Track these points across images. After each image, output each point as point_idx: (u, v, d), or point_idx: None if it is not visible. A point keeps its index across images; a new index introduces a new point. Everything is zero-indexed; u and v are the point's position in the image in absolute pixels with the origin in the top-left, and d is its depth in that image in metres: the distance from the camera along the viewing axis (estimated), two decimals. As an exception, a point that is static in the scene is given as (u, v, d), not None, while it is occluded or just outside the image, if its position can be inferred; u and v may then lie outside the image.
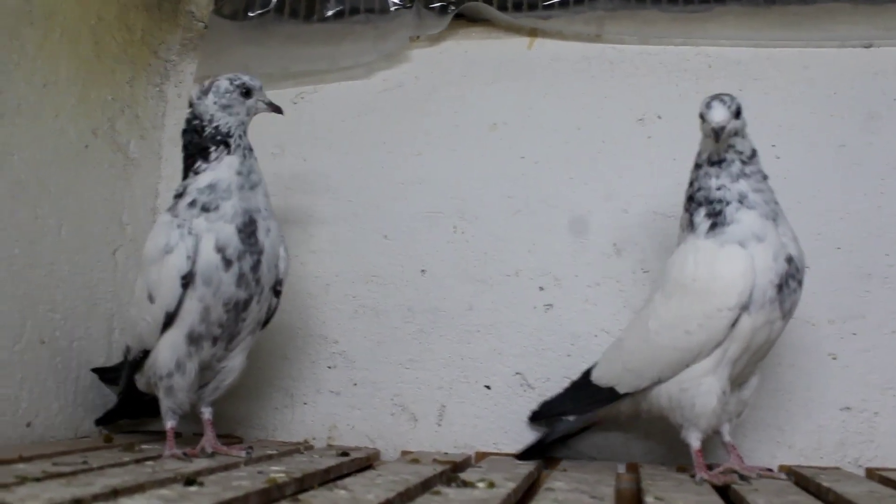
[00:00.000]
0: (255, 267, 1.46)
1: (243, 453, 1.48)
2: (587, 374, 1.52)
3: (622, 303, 1.75)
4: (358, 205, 1.89)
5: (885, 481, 1.45)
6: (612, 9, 1.86)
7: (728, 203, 1.37)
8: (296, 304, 1.85)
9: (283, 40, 1.97)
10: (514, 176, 1.84)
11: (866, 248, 1.71)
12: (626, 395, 1.45)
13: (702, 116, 1.40)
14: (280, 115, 1.59)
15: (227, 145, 1.49)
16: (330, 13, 1.97)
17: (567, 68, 1.87)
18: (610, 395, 1.47)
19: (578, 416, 1.52)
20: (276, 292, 1.57)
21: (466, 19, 1.93)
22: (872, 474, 1.56)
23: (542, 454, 1.54)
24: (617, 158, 1.81)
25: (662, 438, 1.67)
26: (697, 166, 1.43)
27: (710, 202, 1.38)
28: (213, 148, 1.49)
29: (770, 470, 1.54)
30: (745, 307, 1.32)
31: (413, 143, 1.89)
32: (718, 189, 1.38)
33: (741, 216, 1.36)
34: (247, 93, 1.52)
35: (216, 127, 1.50)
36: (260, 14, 2.00)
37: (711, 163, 1.40)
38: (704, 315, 1.33)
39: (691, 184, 1.44)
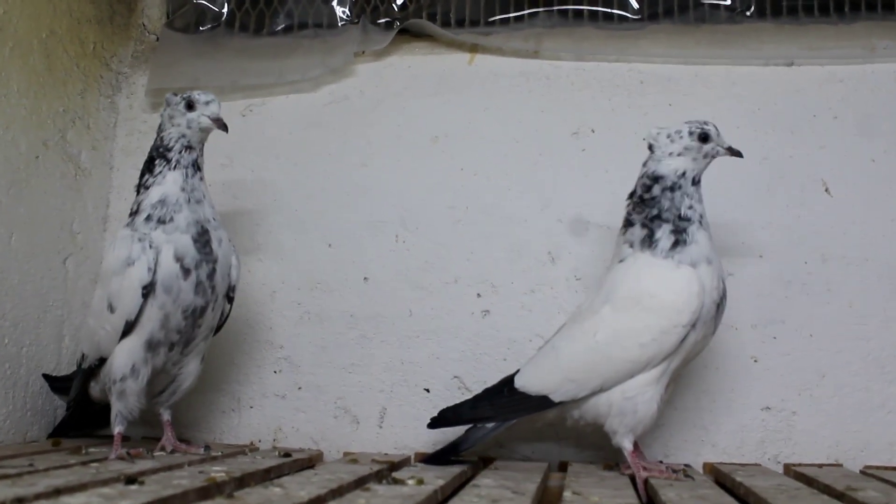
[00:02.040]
0: (211, 275, 1.53)
1: (201, 450, 1.57)
2: (509, 381, 1.54)
3: (556, 309, 1.82)
4: (304, 214, 1.94)
5: (798, 476, 1.53)
6: (550, 26, 1.94)
7: (692, 222, 1.45)
8: (243, 311, 1.89)
9: (233, 54, 2.02)
10: (454, 186, 1.90)
11: (787, 256, 1.79)
12: (559, 403, 1.48)
13: (706, 138, 1.48)
14: (229, 128, 1.63)
15: (167, 160, 1.55)
16: (279, 28, 2.03)
17: (506, 83, 1.94)
18: (541, 403, 1.49)
19: (498, 424, 1.53)
20: (230, 298, 1.64)
21: (410, 35, 2.00)
22: (789, 470, 1.64)
23: (452, 460, 1.54)
24: (553, 170, 1.88)
25: (594, 440, 1.71)
26: (674, 187, 1.47)
27: (681, 219, 1.45)
28: (157, 160, 1.56)
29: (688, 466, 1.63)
30: (694, 325, 1.41)
31: (358, 155, 1.95)
32: (690, 208, 1.46)
33: (699, 237, 1.45)
34: (189, 106, 1.56)
35: (161, 138, 1.57)
36: (211, 28, 2.05)
37: (695, 182, 1.49)
38: (660, 330, 1.40)
39: (652, 200, 1.47)
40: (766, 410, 1.75)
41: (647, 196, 1.49)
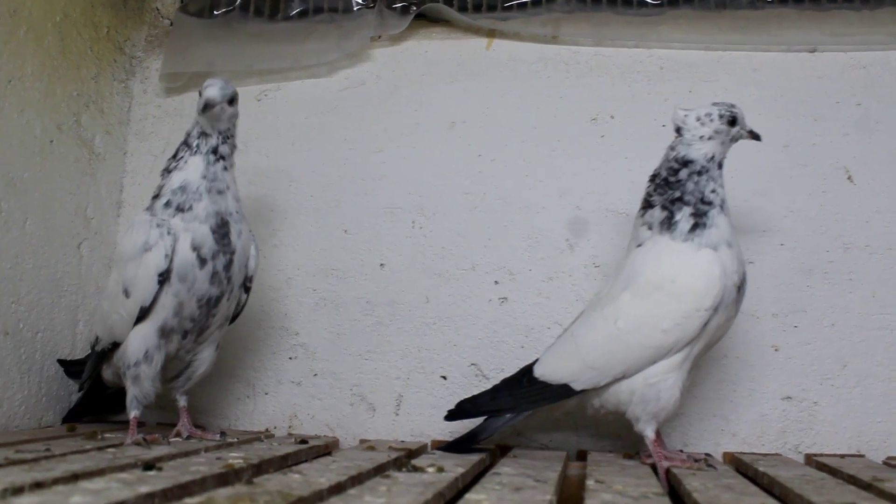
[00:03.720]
0: (228, 266, 1.52)
1: (217, 437, 1.56)
2: (528, 371, 1.52)
3: (574, 296, 1.80)
4: (319, 200, 1.93)
5: (820, 466, 1.52)
6: (569, 11, 1.91)
7: (713, 206, 1.43)
8: (258, 297, 1.87)
9: (248, 38, 2.00)
10: (471, 173, 1.88)
11: (808, 245, 1.77)
12: (580, 391, 1.46)
13: (734, 121, 1.47)
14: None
15: (189, 145, 1.54)
16: (294, 12, 2.01)
17: (524, 69, 1.92)
18: (562, 392, 1.47)
19: (516, 414, 1.52)
20: (246, 288, 1.63)
21: (427, 20, 1.98)
22: (810, 460, 1.63)
23: (470, 448, 1.53)
24: (571, 157, 1.86)
25: (612, 429, 1.72)
26: (701, 171, 1.45)
27: (703, 203, 1.43)
28: (182, 146, 1.55)
29: (709, 455, 1.62)
30: (716, 308, 1.39)
31: (374, 141, 1.93)
32: (713, 192, 1.44)
33: (719, 221, 1.43)
34: (200, 93, 1.51)
35: (192, 125, 1.55)
36: (225, 12, 2.03)
37: (720, 166, 1.47)
38: (683, 315, 1.38)
39: (677, 183, 1.45)
40: (787, 400, 1.74)
41: (672, 179, 1.46)
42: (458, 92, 1.93)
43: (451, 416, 1.56)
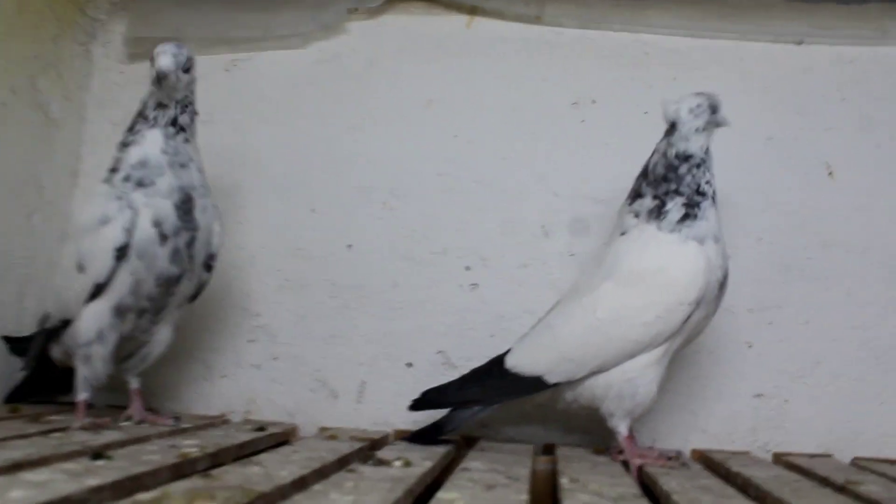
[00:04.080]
0: (190, 244, 1.44)
1: (170, 422, 1.49)
2: (499, 361, 1.47)
3: (548, 285, 1.75)
4: (288, 176, 1.85)
5: (790, 466, 1.50)
6: (553, -9, 1.85)
7: (706, 197, 1.39)
8: (219, 276, 1.76)
9: (219, 4, 1.91)
10: (447, 154, 1.82)
11: (787, 240, 1.74)
12: (554, 384, 1.42)
13: (716, 108, 1.42)
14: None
15: (146, 118, 1.45)
16: (268, -21, 1.92)
17: (505, 49, 1.86)
18: (535, 384, 1.42)
19: (485, 406, 1.46)
20: (208, 267, 1.55)
21: (406, -6, 1.91)
22: (779, 459, 1.61)
23: (435, 440, 1.48)
24: (550, 141, 1.81)
25: (580, 423, 1.67)
26: (700, 163, 1.40)
27: (697, 193, 1.38)
28: (138, 119, 1.46)
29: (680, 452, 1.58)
30: (699, 303, 1.35)
31: (347, 117, 1.86)
32: (707, 183, 1.40)
33: (710, 214, 1.39)
34: (151, 60, 1.42)
35: (147, 95, 1.46)
36: (195, -25, 1.93)
37: (710, 157, 1.43)
38: (665, 308, 1.34)
39: (676, 177, 1.39)
40: (758, 397, 1.71)
41: (671, 175, 1.40)
42: (436, 70, 1.86)
43: (416, 406, 1.50)
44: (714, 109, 1.42)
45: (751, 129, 1.77)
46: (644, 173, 1.45)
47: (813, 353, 1.71)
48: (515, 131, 1.82)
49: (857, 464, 1.58)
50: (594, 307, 1.39)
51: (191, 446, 1.20)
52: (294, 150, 1.86)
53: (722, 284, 1.40)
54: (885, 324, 1.72)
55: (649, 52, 1.83)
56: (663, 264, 1.36)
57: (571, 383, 1.41)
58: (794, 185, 1.76)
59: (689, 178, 1.39)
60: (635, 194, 1.44)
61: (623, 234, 1.43)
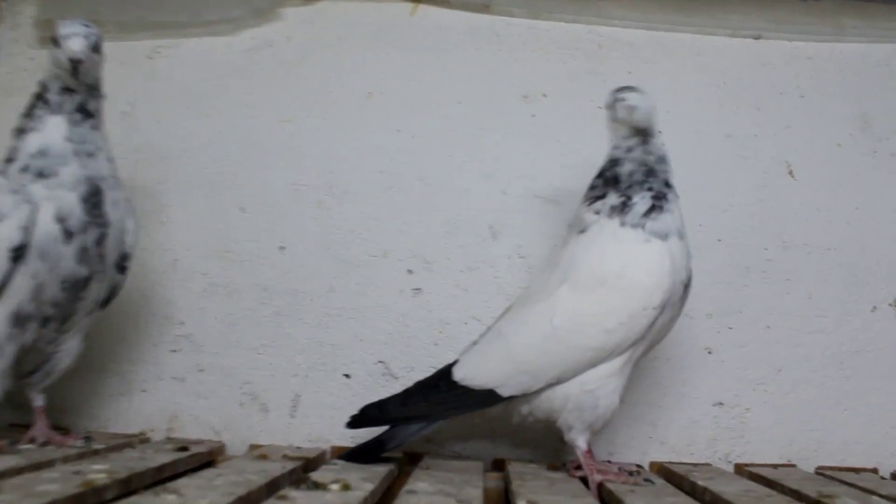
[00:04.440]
0: (100, 241, 1.29)
1: (80, 442, 1.34)
2: (446, 373, 1.35)
3: (496, 289, 1.65)
4: (215, 173, 1.71)
5: (754, 477, 1.42)
6: (503, -21, 1.76)
7: (672, 189, 1.32)
8: (138, 280, 1.66)
9: (141, -14, 1.77)
10: (388, 150, 1.71)
11: (747, 241, 1.67)
12: (508, 398, 1.30)
13: None
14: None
15: (47, 102, 1.30)
16: (196, -40, 1.79)
17: (451, 39, 1.75)
18: (487, 398, 1.30)
19: (431, 422, 1.35)
20: (122, 269, 1.40)
21: (345, -21, 1.79)
22: (741, 470, 1.54)
23: (376, 458, 1.36)
24: (499, 136, 1.71)
25: (531, 435, 1.57)
26: (664, 158, 1.34)
27: (666, 185, 1.31)
28: (38, 103, 1.31)
29: (640, 467, 1.49)
30: (664, 306, 1.26)
31: (280, 109, 1.73)
32: (670, 176, 1.33)
33: (675, 207, 1.31)
34: (55, 40, 1.28)
35: (45, 77, 1.32)
36: (115, -46, 1.79)
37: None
38: (628, 314, 1.24)
39: (654, 176, 1.31)
40: (718, 406, 1.63)
41: (650, 178, 1.31)
42: (377, 60, 1.75)
43: (354, 423, 1.37)
44: None
45: (709, 126, 1.71)
46: (613, 181, 1.33)
47: (774, 359, 1.64)
48: (462, 126, 1.72)
49: (823, 473, 1.51)
50: (550, 314, 1.28)
51: (98, 472, 1.06)
52: (222, 144, 1.73)
53: (686, 285, 1.31)
54: (846, 328, 1.65)
55: (603, 44, 1.74)
56: (625, 266, 1.26)
57: (527, 396, 1.30)
58: (754, 184, 1.69)
59: (661, 175, 1.32)
60: (598, 196, 1.34)
61: (582, 232, 1.32)
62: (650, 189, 1.30)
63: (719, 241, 1.67)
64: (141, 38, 1.76)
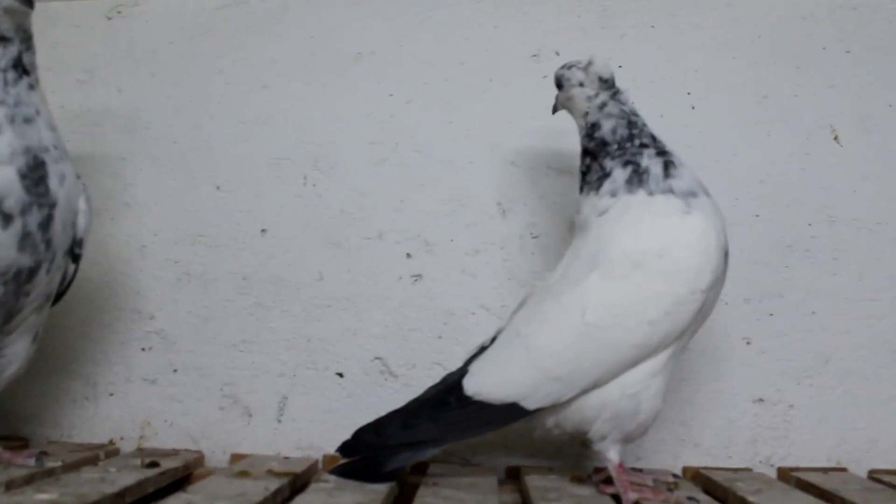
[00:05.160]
0: (46, 224, 1.11)
1: (32, 461, 1.16)
2: (456, 386, 1.15)
3: (506, 274, 1.49)
4: (186, 148, 1.57)
5: (805, 486, 1.26)
6: (507, -78, 1.58)
7: (661, 143, 1.19)
8: (102, 270, 1.52)
9: (98, -62, 1.60)
10: (380, 118, 1.55)
11: (788, 216, 1.50)
12: (534, 411, 1.12)
13: None
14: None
15: None
16: None
17: (450, -9, 1.59)
18: (509, 414, 1.12)
19: (440, 445, 1.16)
20: (75, 256, 1.22)
21: (329, -74, 1.62)
22: (786, 475, 1.38)
23: (374, 477, 1.18)
24: (506, 101, 1.54)
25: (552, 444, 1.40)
26: (635, 110, 1.22)
27: (655, 140, 1.18)
28: None
29: (677, 476, 1.32)
30: (713, 287, 1.09)
31: (258, 75, 1.58)
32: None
33: (679, 158, 1.17)
34: None
35: None
36: None
37: None
38: (675, 300, 1.07)
39: (636, 128, 1.18)
40: (758, 403, 1.46)
41: (634, 132, 1.18)
42: (366, 16, 1.58)
43: (346, 450, 1.18)
44: None
45: (743, 87, 1.53)
46: (601, 147, 1.19)
47: (820, 349, 1.48)
48: (464, 89, 1.55)
49: (879, 479, 1.34)
50: (580, 307, 1.09)
51: (44, 502, 0.92)
52: (193, 114, 1.58)
53: (727, 253, 1.13)
54: (901, 312, 1.49)
55: (622, -6, 1.57)
56: (666, 244, 1.08)
57: (555, 407, 1.12)
58: (795, 152, 1.51)
59: (646, 129, 1.19)
60: (600, 177, 1.17)
61: (602, 214, 1.15)
62: (646, 145, 1.17)
63: (757, 216, 1.50)
64: (99, -4, 1.60)
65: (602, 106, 1.20)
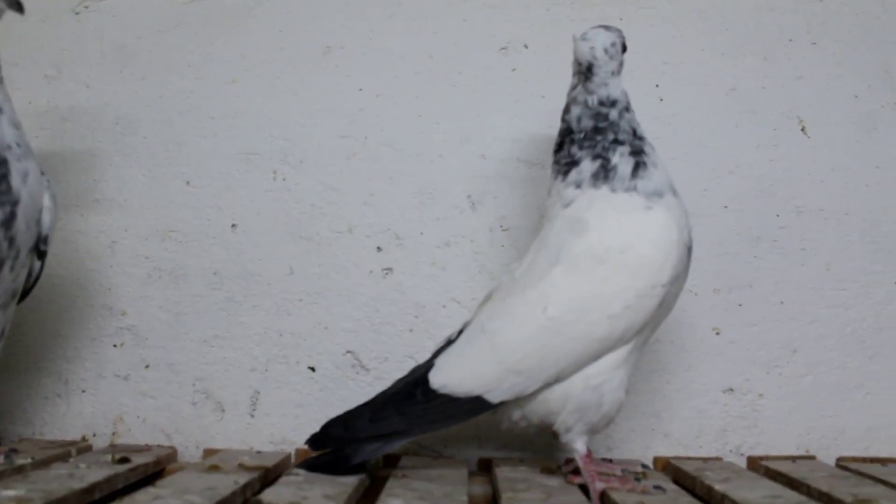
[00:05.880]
0: (9, 222, 1.11)
1: (1, 458, 1.17)
2: (422, 379, 1.16)
3: (477, 267, 1.49)
4: (155, 143, 1.55)
5: (774, 475, 1.27)
6: (476, -83, 1.57)
7: (646, 142, 1.17)
8: (73, 267, 1.51)
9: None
10: (350, 111, 1.54)
11: (756, 207, 1.51)
12: (499, 404, 1.14)
13: (625, 47, 1.21)
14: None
15: None
16: None
17: (420, -16, 1.58)
18: (473, 406, 1.13)
19: (406, 438, 1.18)
20: (40, 253, 1.22)
21: (299, -80, 1.61)
22: (756, 464, 1.39)
23: (343, 469, 1.18)
24: (475, 94, 1.54)
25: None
26: (628, 107, 1.18)
27: (636, 138, 1.16)
28: None
29: (646, 467, 1.33)
30: (674, 281, 1.10)
31: (227, 69, 1.56)
32: (639, 127, 1.19)
33: (657, 159, 1.16)
34: None
35: None
36: None
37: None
38: (636, 294, 1.08)
39: (610, 126, 1.16)
40: (728, 392, 1.47)
41: (603, 125, 1.16)
42: (335, 10, 1.57)
43: (315, 443, 1.18)
44: (624, 48, 1.20)
45: (711, 79, 1.54)
46: (567, 132, 1.19)
47: (789, 338, 1.49)
48: (433, 82, 1.55)
49: (846, 467, 1.35)
50: (543, 301, 1.10)
51: (13, 498, 0.91)
52: (162, 110, 1.56)
53: (689, 248, 1.14)
54: (868, 301, 1.49)
55: (591, -14, 1.57)
56: (628, 239, 1.09)
57: (519, 400, 1.13)
58: (763, 143, 1.52)
59: (624, 124, 1.17)
60: (568, 164, 1.17)
61: (567, 206, 1.15)
62: (621, 142, 1.15)
63: (725, 207, 1.51)
64: (66, -11, 1.59)
65: (572, 88, 1.21)
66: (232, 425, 1.49)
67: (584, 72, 1.18)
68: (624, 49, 1.19)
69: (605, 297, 1.08)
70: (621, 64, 1.19)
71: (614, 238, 1.10)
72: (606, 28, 1.19)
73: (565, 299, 1.10)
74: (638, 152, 1.15)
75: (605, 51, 1.17)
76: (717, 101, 1.53)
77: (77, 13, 1.59)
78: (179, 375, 1.50)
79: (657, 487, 1.10)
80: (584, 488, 1.12)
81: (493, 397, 1.11)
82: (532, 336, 1.11)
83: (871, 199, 1.52)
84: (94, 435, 1.49)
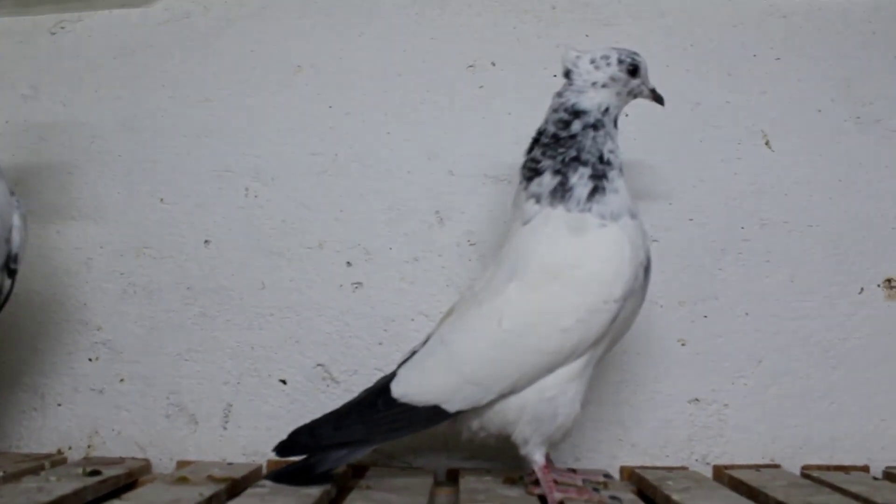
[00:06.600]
0: None
1: None
2: (384, 389, 1.19)
3: (445, 281, 1.51)
4: (130, 161, 1.56)
5: (736, 484, 1.29)
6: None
7: (613, 167, 1.16)
8: (48, 283, 1.52)
9: (42, -46, 1.61)
10: (320, 129, 1.55)
11: (721, 220, 1.52)
12: (456, 413, 1.16)
13: (636, 71, 1.20)
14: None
15: None
16: (103, -78, 1.62)
17: (388, 4, 1.59)
18: (432, 415, 1.15)
19: (369, 445, 1.20)
20: (10, 271, 1.24)
21: (270, -58, 1.62)
22: (721, 473, 1.41)
23: (311, 479, 1.20)
24: (443, 111, 1.56)
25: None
26: (596, 125, 1.16)
27: (601, 162, 1.15)
28: None
29: (609, 476, 1.34)
30: (627, 297, 1.12)
31: (200, 88, 1.58)
32: (611, 152, 1.17)
33: (620, 185, 1.16)
34: None
35: None
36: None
37: (615, 124, 1.20)
38: (587, 309, 1.10)
39: (570, 139, 1.16)
40: (694, 403, 1.49)
41: (563, 134, 1.16)
42: (306, 30, 1.59)
43: (283, 450, 1.21)
44: (632, 70, 1.19)
45: (676, 93, 1.52)
46: (538, 136, 1.21)
47: (754, 349, 1.50)
48: (402, 100, 1.56)
49: (809, 475, 1.37)
50: (499, 316, 1.13)
51: None
52: (136, 128, 1.57)
53: (647, 268, 1.16)
54: (832, 312, 1.51)
55: (557, 5, 1.58)
56: (581, 257, 1.11)
57: (477, 410, 1.15)
58: (727, 156, 1.54)
59: (588, 143, 1.16)
60: (531, 171, 1.19)
61: (526, 223, 1.17)
62: (584, 163, 1.15)
63: (690, 220, 1.52)
64: (41, 11, 1.60)
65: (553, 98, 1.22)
66: (205, 437, 1.50)
67: (565, 76, 1.20)
68: (632, 71, 1.19)
69: (557, 312, 1.10)
70: (613, 79, 1.18)
71: (567, 254, 1.12)
72: (615, 47, 1.21)
73: (519, 313, 1.12)
74: (599, 177, 1.14)
75: (592, 61, 1.18)
76: (681, 117, 1.53)
77: (53, 33, 1.60)
78: (153, 389, 1.51)
79: (614, 498, 1.12)
80: (543, 499, 1.14)
81: (450, 406, 1.13)
82: (487, 348, 1.13)
83: (834, 212, 1.53)
84: (70, 448, 1.50)
